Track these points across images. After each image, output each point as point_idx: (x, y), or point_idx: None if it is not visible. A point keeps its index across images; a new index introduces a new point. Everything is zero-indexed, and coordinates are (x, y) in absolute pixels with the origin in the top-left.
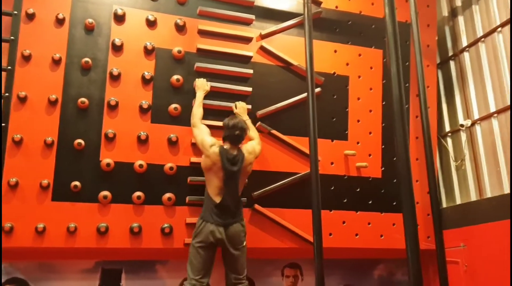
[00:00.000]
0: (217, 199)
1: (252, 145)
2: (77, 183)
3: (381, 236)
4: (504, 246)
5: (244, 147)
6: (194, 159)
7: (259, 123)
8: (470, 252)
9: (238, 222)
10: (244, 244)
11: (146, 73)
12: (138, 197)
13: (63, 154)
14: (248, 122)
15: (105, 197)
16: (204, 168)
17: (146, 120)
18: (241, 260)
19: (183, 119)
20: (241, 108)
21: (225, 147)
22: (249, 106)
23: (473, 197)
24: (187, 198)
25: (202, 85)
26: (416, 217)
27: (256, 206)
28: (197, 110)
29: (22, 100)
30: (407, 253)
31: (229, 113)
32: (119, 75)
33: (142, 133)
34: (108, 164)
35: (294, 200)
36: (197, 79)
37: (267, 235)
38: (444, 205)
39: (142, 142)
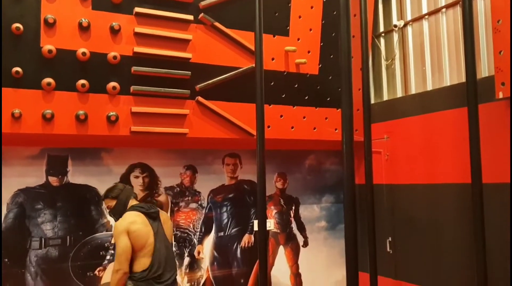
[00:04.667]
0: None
1: None
2: (18, 69)
3: (314, 128)
4: (422, 138)
5: None
6: (137, 49)
7: (201, 14)
8: (392, 143)
9: None
10: None
11: None
12: (83, 85)
13: (1, 38)
14: None
15: (48, 84)
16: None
17: (87, 6)
18: None
19: (126, 7)
20: None
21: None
22: None
23: (399, 93)
24: (132, 88)
25: None
26: (353, 108)
27: (199, 98)
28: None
29: None
30: (342, 143)
31: None
32: None
33: (83, 20)
34: (50, 51)
35: (237, 94)
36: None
37: (210, 126)
38: (372, 101)
39: (84, 29)
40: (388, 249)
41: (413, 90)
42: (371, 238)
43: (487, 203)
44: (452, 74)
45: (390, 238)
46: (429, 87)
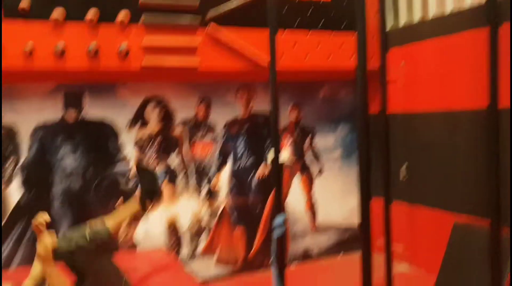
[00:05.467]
0: None
1: None
2: None
3: (329, 57)
4: (439, 62)
5: None
6: None
7: None
8: (409, 70)
9: None
10: None
11: None
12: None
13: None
14: None
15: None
16: None
17: None
18: None
19: None
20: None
21: None
22: None
23: (418, 16)
24: (143, 16)
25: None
26: (366, 34)
27: (212, 24)
28: None
29: None
30: (356, 70)
31: None
32: None
33: None
34: None
35: (248, 20)
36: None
37: (222, 57)
38: (389, 25)
39: None
40: (404, 175)
41: (431, 12)
42: (385, 163)
43: (503, 129)
44: None
45: (406, 163)
46: (449, 8)
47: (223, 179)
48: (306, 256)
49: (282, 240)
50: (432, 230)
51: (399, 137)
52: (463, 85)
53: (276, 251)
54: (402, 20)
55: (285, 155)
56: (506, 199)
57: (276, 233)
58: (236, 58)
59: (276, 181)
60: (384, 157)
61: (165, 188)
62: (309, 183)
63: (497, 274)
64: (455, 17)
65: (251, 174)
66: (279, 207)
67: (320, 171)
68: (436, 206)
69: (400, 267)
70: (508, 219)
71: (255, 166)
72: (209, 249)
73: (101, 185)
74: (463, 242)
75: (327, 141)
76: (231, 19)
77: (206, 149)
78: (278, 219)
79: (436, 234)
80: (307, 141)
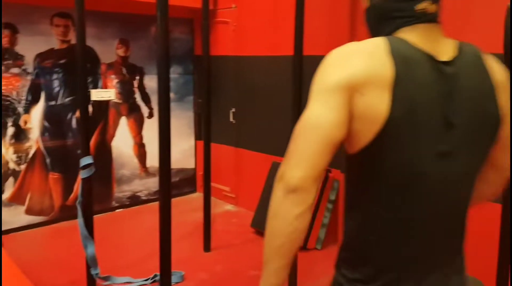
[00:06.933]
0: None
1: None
2: None
3: None
4: (269, 5)
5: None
6: None
7: None
8: (240, 13)
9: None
10: None
11: None
12: None
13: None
14: None
15: None
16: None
17: None
18: None
19: None
20: None
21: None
22: None
23: None
24: None
25: None
26: None
27: None
28: None
29: None
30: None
31: None
32: None
33: None
34: None
35: None
36: None
37: None
38: None
39: None
40: (231, 119)
41: None
42: (208, 108)
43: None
44: None
45: (233, 109)
46: None
47: (35, 118)
48: (134, 200)
49: (89, 181)
50: (254, 172)
51: (230, 80)
52: (287, 33)
53: (82, 191)
54: None
55: (111, 94)
56: None
57: (83, 174)
58: None
59: (83, 121)
60: (207, 101)
61: None
62: (137, 125)
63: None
64: None
65: (70, 114)
66: (86, 149)
67: (150, 114)
68: (258, 150)
69: (228, 207)
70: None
71: (75, 104)
72: (17, 197)
73: None
74: None
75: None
76: None
77: (13, 83)
78: (85, 159)
79: (257, 175)
80: (136, 80)
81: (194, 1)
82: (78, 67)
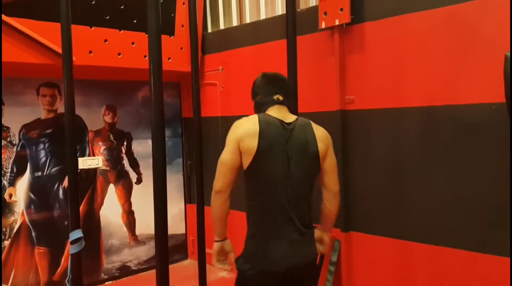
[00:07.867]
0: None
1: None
2: None
3: (145, 56)
4: (254, 68)
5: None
6: None
7: None
8: (227, 75)
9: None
10: None
11: None
12: None
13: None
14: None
15: None
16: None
17: None
18: None
19: None
20: None
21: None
22: None
23: (235, 23)
24: None
25: None
26: (160, 36)
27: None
28: None
29: None
30: (149, 73)
31: None
32: None
33: None
34: None
35: (44, 11)
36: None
37: (18, 49)
38: (210, 30)
39: None
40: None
41: (247, 19)
42: (199, 170)
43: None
44: (283, 4)
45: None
46: (262, 17)
47: (21, 190)
48: (124, 271)
49: (79, 257)
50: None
51: (220, 142)
52: None
53: (72, 268)
54: (221, 25)
55: (98, 161)
56: None
57: (72, 249)
58: (35, 50)
59: (72, 191)
60: (198, 163)
61: None
62: (126, 192)
63: None
64: (268, 23)
65: (57, 184)
66: (76, 222)
67: (139, 179)
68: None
69: (222, 274)
70: None
71: (62, 174)
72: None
73: None
74: None
75: (146, 147)
76: (24, 9)
77: None
78: (74, 234)
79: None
80: (124, 146)
81: (181, 66)
82: (67, 136)
